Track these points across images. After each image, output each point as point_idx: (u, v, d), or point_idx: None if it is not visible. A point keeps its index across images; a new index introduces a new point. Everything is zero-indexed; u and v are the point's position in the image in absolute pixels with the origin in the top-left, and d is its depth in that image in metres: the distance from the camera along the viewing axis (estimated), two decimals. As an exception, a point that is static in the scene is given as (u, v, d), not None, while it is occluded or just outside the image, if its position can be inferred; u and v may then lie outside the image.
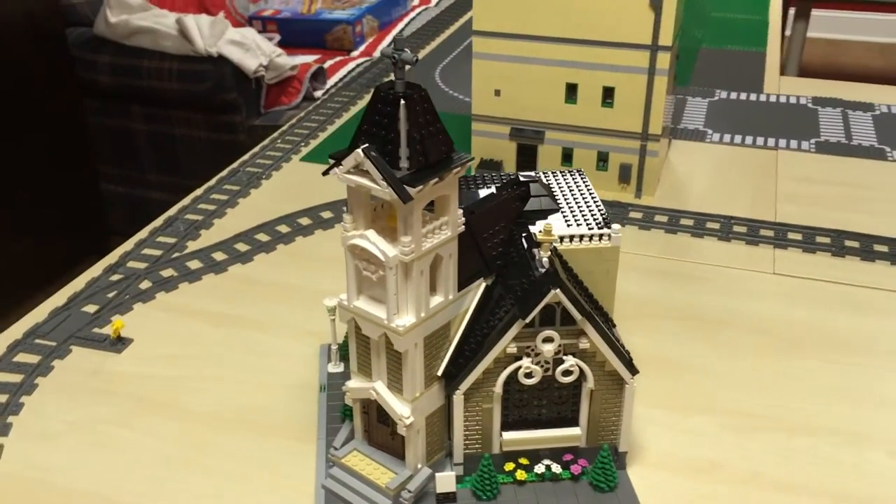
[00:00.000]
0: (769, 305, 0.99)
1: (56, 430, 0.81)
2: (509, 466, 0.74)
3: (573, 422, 0.75)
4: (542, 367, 0.70)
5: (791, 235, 1.12)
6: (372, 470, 0.73)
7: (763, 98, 1.55)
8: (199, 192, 1.24)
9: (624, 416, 0.73)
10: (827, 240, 1.11)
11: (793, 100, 1.54)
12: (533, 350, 0.70)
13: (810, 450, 0.79)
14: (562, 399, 0.74)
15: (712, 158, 1.34)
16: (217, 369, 0.89)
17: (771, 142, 1.38)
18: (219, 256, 1.08)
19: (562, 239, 0.75)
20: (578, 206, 0.79)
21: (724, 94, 1.57)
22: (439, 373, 0.70)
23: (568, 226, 0.76)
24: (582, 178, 0.83)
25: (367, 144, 0.61)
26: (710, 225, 1.14)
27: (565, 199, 0.80)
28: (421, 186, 0.61)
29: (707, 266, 1.06)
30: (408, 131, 0.61)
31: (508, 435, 0.74)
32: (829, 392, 0.86)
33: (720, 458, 0.78)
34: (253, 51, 2.25)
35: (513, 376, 0.71)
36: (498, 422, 0.73)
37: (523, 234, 0.73)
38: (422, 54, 1.81)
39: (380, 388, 0.70)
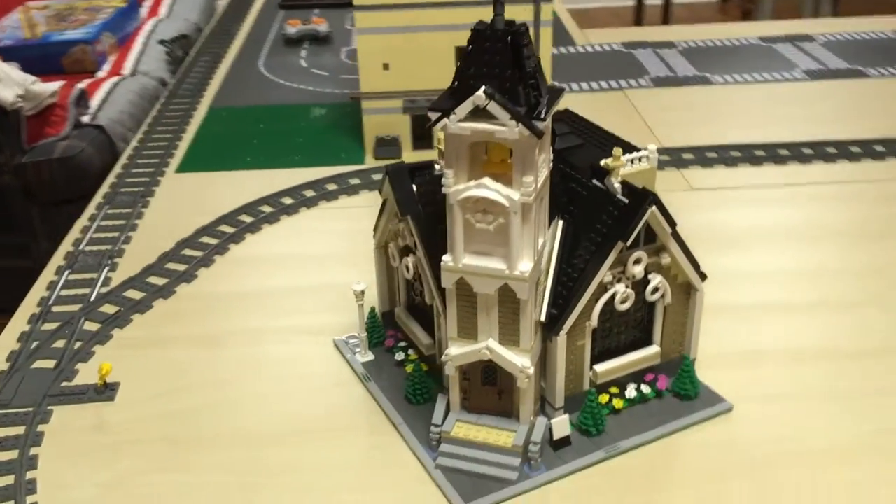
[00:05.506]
0: (707, 215, 1.08)
1: (91, 497, 0.68)
2: (604, 398, 0.75)
3: (648, 341, 0.77)
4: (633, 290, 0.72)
5: (685, 156, 1.22)
6: (486, 434, 0.70)
7: (581, 50, 1.67)
8: (84, 221, 1.09)
9: (694, 324, 0.77)
10: (714, 154, 1.22)
11: (607, 48, 1.67)
12: (623, 275, 0.71)
13: (817, 319, 0.88)
14: (637, 321, 0.76)
15: (576, 106, 1.41)
16: (237, 390, 0.80)
17: (614, 84, 1.49)
18: (158, 280, 0.96)
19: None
20: (598, 139, 0.81)
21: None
22: (542, 318, 0.69)
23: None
24: (578, 116, 0.85)
25: (484, 86, 0.58)
26: (614, 160, 1.21)
27: (581, 136, 0.81)
28: (549, 119, 0.59)
29: (636, 194, 1.13)
30: (523, 66, 0.59)
31: (599, 367, 0.74)
32: (800, 270, 0.96)
33: (758, 345, 0.85)
34: (5, 81, 1.98)
35: (604, 307, 0.71)
36: (589, 356, 0.73)
37: (574, 170, 0.74)
38: (232, 53, 1.71)
39: (493, 346, 0.67)
